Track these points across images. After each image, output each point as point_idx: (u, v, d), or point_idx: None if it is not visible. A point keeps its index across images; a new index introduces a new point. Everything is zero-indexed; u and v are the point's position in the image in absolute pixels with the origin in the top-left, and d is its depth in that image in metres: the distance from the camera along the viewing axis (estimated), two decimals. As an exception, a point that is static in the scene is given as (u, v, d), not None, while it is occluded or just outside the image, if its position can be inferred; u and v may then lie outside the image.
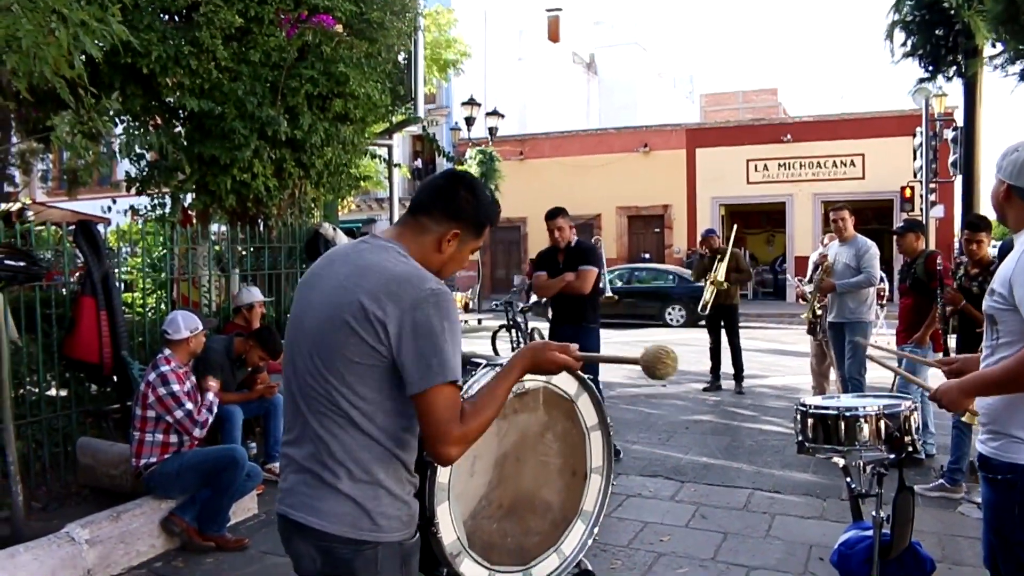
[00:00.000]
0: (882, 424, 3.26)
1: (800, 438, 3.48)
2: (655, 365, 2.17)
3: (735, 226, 10.70)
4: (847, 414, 3.28)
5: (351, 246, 2.15)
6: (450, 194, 2.14)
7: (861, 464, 3.43)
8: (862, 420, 3.26)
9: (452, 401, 1.94)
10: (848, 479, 3.53)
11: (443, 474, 2.41)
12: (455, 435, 1.92)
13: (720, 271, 9.91)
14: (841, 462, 3.50)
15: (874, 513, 3.38)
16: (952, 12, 6.00)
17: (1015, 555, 2.67)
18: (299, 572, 2.13)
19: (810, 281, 9.73)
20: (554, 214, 6.94)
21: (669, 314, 20.45)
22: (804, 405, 3.48)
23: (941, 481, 5.95)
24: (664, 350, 2.17)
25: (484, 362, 2.68)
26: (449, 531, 2.45)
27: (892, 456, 3.26)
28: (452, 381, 1.94)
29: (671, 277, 21.77)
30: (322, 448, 2.02)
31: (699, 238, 10.72)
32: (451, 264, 2.18)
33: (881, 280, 8.04)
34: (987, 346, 2.78)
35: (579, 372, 2.96)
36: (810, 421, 3.42)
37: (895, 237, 7.17)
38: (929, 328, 6.52)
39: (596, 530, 2.99)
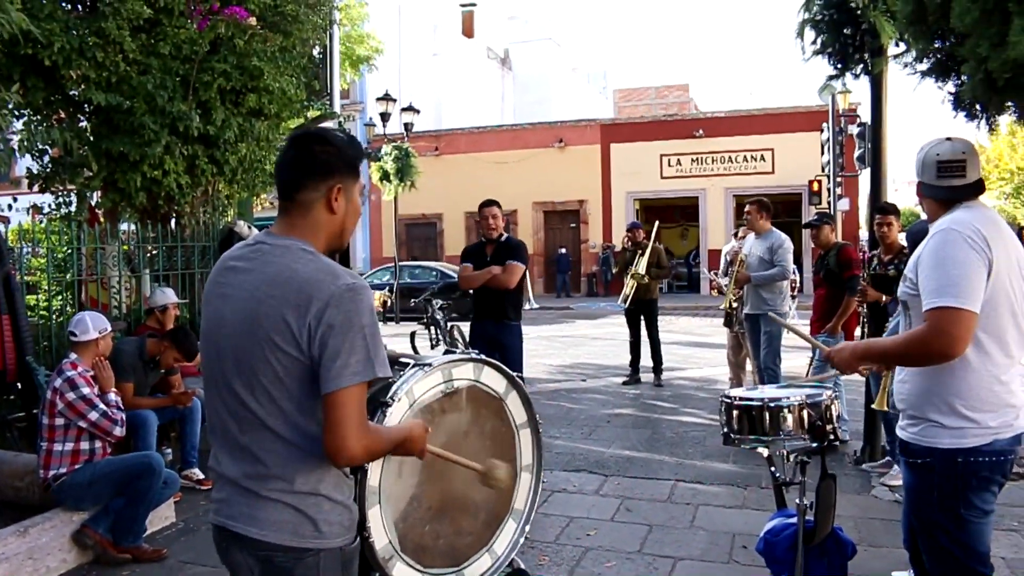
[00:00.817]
0: (805, 413, 3.31)
1: (725, 430, 3.52)
2: (492, 477, 2.24)
3: (656, 222, 10.81)
4: (771, 405, 3.33)
5: (250, 250, 2.06)
6: (308, 157, 2.05)
7: (784, 453, 3.48)
8: (786, 410, 3.31)
9: (362, 398, 1.91)
10: (772, 468, 3.58)
11: (374, 476, 2.36)
12: (362, 439, 1.89)
13: (641, 265, 10.00)
14: (765, 452, 3.55)
15: (798, 501, 3.44)
16: (859, 12, 6.16)
17: (934, 537, 2.77)
18: None
19: (725, 274, 9.91)
20: (489, 203, 6.90)
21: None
22: (729, 397, 3.53)
23: (888, 459, 6.15)
24: (498, 464, 2.29)
25: (412, 362, 2.63)
26: (381, 535, 2.39)
27: (815, 444, 3.32)
28: (368, 380, 1.91)
29: (435, 274, 23.27)
30: (256, 463, 1.97)
31: (625, 231, 10.79)
32: (349, 217, 2.11)
33: (793, 272, 8.23)
34: (902, 328, 2.92)
35: (507, 369, 2.95)
36: (735, 413, 3.46)
37: (811, 230, 7.34)
38: (841, 317, 6.71)
39: (527, 528, 2.97)
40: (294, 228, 2.05)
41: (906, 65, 5.10)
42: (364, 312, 1.91)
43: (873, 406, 5.41)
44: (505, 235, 6.95)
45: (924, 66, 4.76)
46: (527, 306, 10.53)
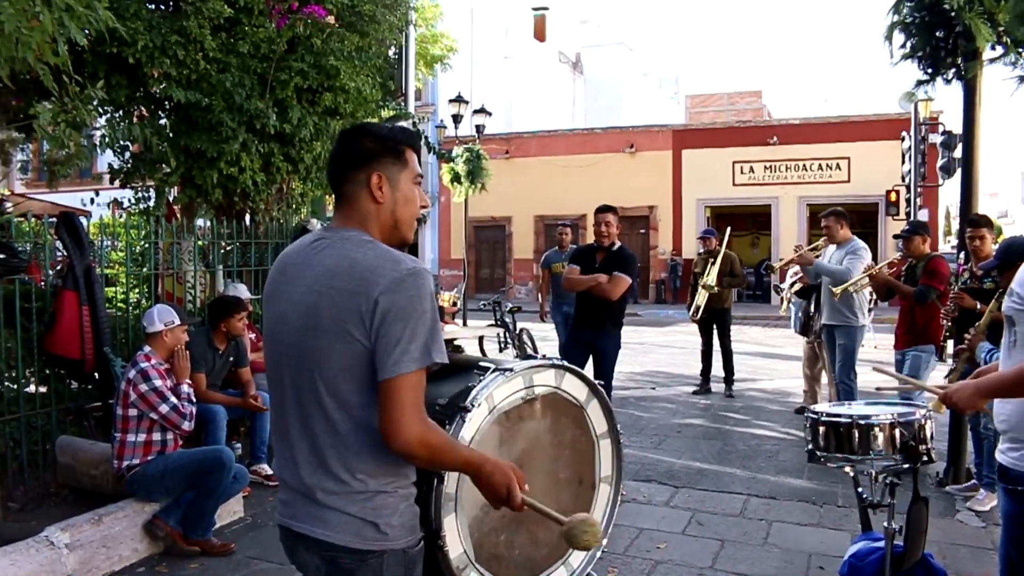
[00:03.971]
0: (897, 432, 3.16)
1: (811, 446, 3.37)
2: (578, 536, 2.06)
3: (728, 228, 10.57)
4: (861, 422, 3.18)
5: (307, 246, 2.05)
6: (348, 151, 2.06)
7: (872, 473, 3.33)
8: (876, 428, 3.16)
9: (421, 385, 1.88)
10: (859, 488, 3.42)
11: (450, 483, 2.28)
12: (418, 425, 1.85)
13: (712, 275, 9.79)
14: (851, 471, 3.40)
15: (886, 524, 3.28)
16: (953, 14, 5.92)
17: None
18: None
19: (791, 287, 9.69)
20: (604, 208, 6.87)
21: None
22: (815, 413, 3.38)
23: (974, 482, 5.95)
24: (589, 523, 2.08)
25: (492, 367, 2.55)
26: (456, 544, 2.32)
27: (907, 465, 3.16)
28: (427, 367, 1.87)
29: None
30: (319, 463, 1.95)
31: (697, 238, 10.60)
32: (402, 206, 2.07)
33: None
34: (1005, 346, 2.76)
35: (588, 376, 2.85)
36: (822, 429, 3.31)
37: (901, 239, 7.06)
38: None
39: (605, 542, 2.87)
40: (348, 220, 2.05)
41: (1014, 64, 4.87)
42: (425, 297, 1.88)
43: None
44: (618, 244, 6.86)
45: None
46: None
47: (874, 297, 9.60)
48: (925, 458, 3.20)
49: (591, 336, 6.67)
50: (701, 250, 10.47)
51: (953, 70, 6.30)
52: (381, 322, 1.84)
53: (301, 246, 2.08)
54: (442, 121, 26.30)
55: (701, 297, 9.88)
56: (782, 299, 11.42)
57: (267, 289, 2.13)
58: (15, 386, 5.76)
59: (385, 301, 1.84)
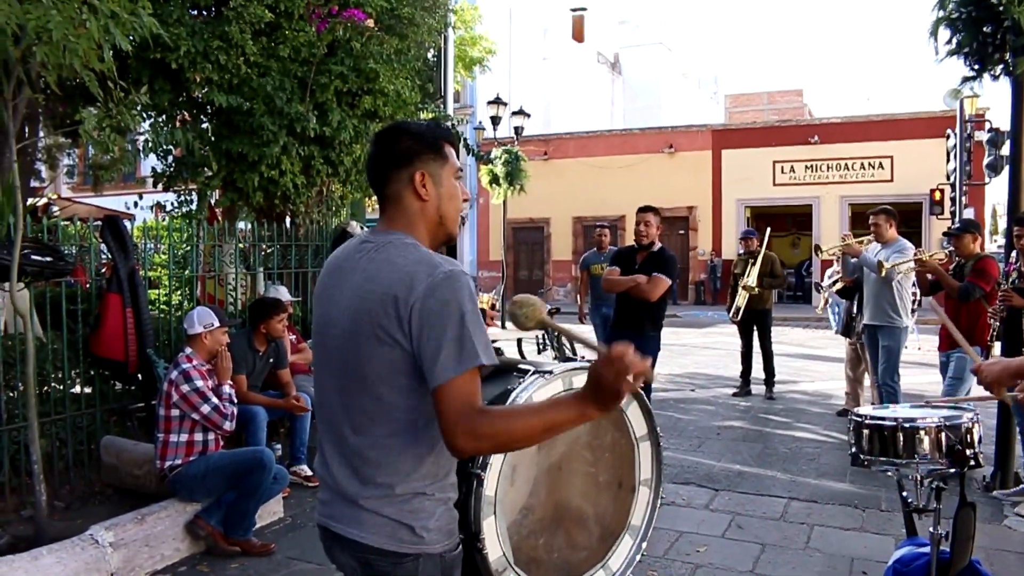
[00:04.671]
0: (943, 436, 3.09)
1: (854, 449, 3.31)
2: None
3: (768, 228, 10.46)
4: (906, 425, 3.12)
5: (354, 249, 2.06)
6: (387, 152, 2.05)
7: (918, 478, 3.26)
8: (922, 432, 3.10)
9: (471, 387, 1.82)
10: (904, 493, 3.36)
11: (489, 486, 2.28)
12: (466, 426, 1.79)
13: (752, 276, 9.69)
14: (896, 475, 3.33)
15: (932, 529, 3.21)
16: (1000, 8, 5.77)
17: None
18: None
19: (832, 285, 9.57)
20: (646, 209, 6.87)
21: None
22: (859, 415, 3.32)
23: (1022, 486, 5.83)
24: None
25: (532, 369, 2.53)
26: (495, 547, 2.31)
27: (953, 470, 3.09)
28: (475, 368, 1.82)
29: None
30: (359, 465, 1.96)
31: (738, 238, 10.51)
32: (446, 202, 2.07)
33: (913, 285, 7.81)
34: None
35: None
36: (865, 432, 3.25)
37: (951, 237, 6.94)
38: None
39: (644, 545, 2.85)
40: (393, 223, 2.05)
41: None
42: (464, 299, 1.85)
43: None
44: (659, 245, 6.83)
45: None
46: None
47: (918, 297, 9.46)
48: (972, 462, 3.13)
49: (630, 337, 6.55)
50: (741, 251, 10.37)
51: (1001, 66, 6.16)
52: (420, 328, 1.83)
53: (349, 249, 2.09)
54: (480, 123, 26.33)
55: (741, 298, 9.78)
56: (823, 299, 11.29)
57: (316, 290, 2.16)
58: (61, 387, 5.86)
59: (424, 305, 1.83)
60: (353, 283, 1.98)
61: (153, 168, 7.61)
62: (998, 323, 5.68)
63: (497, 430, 1.81)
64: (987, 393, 3.04)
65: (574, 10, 40.47)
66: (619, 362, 1.73)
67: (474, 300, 1.88)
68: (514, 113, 22.30)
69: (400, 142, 2.05)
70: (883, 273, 6.99)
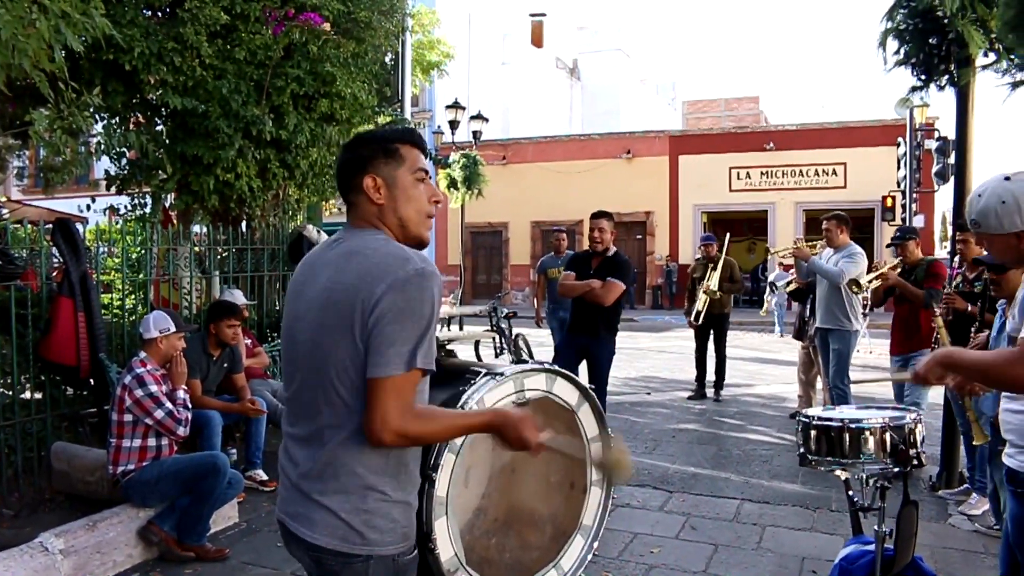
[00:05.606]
0: (887, 436, 3.18)
1: (802, 450, 3.39)
2: (612, 468, 2.13)
3: (727, 234, 10.61)
4: (852, 426, 3.20)
5: (326, 247, 2.09)
6: (348, 160, 2.10)
7: (863, 477, 3.34)
8: (867, 432, 3.18)
9: (412, 389, 1.88)
10: (850, 492, 3.44)
11: (441, 487, 2.30)
12: (397, 425, 1.85)
13: (713, 280, 9.82)
14: (843, 475, 3.41)
15: (876, 528, 3.30)
16: (946, 21, 5.93)
17: None
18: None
19: (786, 285, 9.74)
20: (599, 215, 6.83)
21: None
22: (807, 417, 3.40)
23: (967, 486, 5.95)
24: (620, 457, 2.17)
25: (484, 371, 2.56)
26: (447, 547, 2.33)
27: (897, 469, 3.18)
28: (420, 371, 1.88)
29: None
30: (319, 458, 1.97)
31: (699, 244, 10.61)
32: (403, 204, 2.08)
33: (865, 290, 7.95)
34: None
35: (580, 381, 2.87)
36: (813, 433, 3.33)
37: (895, 246, 7.07)
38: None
39: (595, 545, 2.89)
40: (359, 221, 2.09)
41: (1004, 72, 4.89)
42: (427, 301, 1.89)
43: (974, 443, 5.19)
44: (614, 250, 6.87)
45: (1023, 75, 4.56)
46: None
47: (869, 302, 9.63)
48: (915, 462, 3.22)
49: (585, 341, 6.68)
50: (700, 256, 10.49)
51: (946, 76, 6.31)
52: (378, 320, 1.85)
53: (321, 247, 2.12)
54: (439, 127, 26.34)
55: (702, 302, 9.90)
56: (767, 301, 11.45)
57: (288, 289, 2.18)
58: (10, 392, 5.77)
59: (387, 300, 1.85)
60: (323, 278, 1.99)
61: (107, 171, 7.51)
62: (942, 326, 5.81)
63: (423, 432, 1.93)
64: (905, 374, 3.17)
65: (533, 16, 40.63)
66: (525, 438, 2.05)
67: (436, 305, 1.91)
68: (472, 117, 22.36)
69: (355, 149, 2.09)
70: (861, 291, 7.12)
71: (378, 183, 2.04)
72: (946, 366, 2.69)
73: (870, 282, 7.07)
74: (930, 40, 6.16)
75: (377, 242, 1.98)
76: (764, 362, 14.38)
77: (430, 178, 2.16)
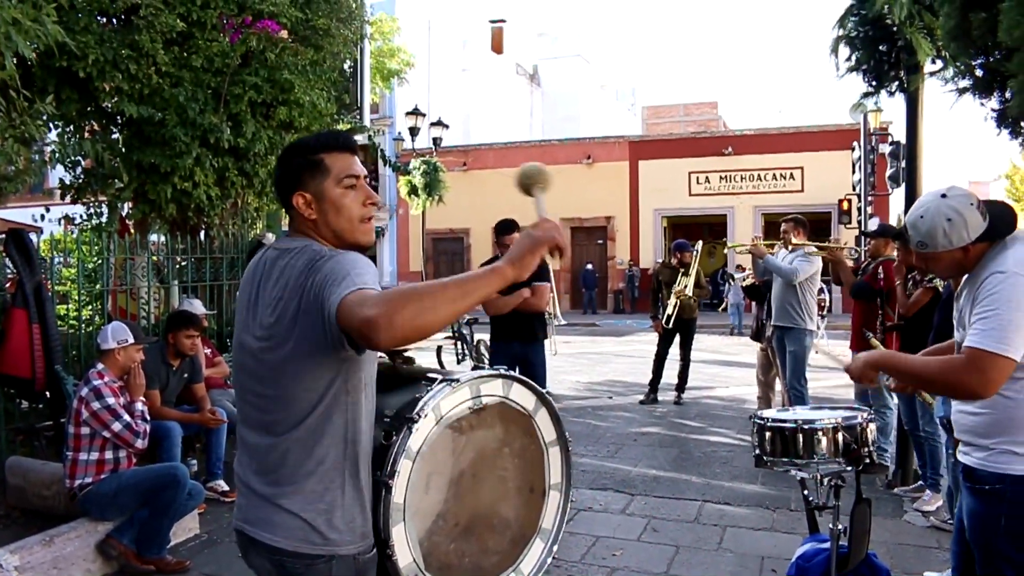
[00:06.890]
0: (840, 436, 3.23)
1: (758, 451, 3.44)
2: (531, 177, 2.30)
3: (699, 241, 10.72)
4: (805, 427, 3.25)
5: (271, 257, 2.10)
6: (280, 175, 2.12)
7: (818, 476, 3.40)
8: (820, 433, 3.23)
9: (365, 292, 1.77)
10: (805, 491, 3.50)
11: (398, 493, 2.31)
12: (376, 313, 1.67)
13: (689, 285, 9.93)
14: (799, 475, 3.47)
15: (831, 525, 3.35)
16: (895, 29, 6.09)
17: (996, 566, 2.65)
18: None
19: (744, 279, 9.86)
20: (508, 228, 6.42)
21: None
22: (761, 418, 3.44)
23: (921, 483, 6.04)
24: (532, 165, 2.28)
25: (440, 377, 2.58)
26: (405, 553, 2.34)
27: (850, 468, 3.24)
28: (367, 288, 1.79)
29: None
30: (273, 460, 2.00)
31: (673, 251, 10.68)
32: (334, 216, 2.05)
33: (821, 291, 8.09)
34: None
35: (537, 386, 2.89)
36: (767, 434, 3.38)
37: (867, 239, 7.19)
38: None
39: (555, 548, 2.91)
40: (295, 232, 2.11)
41: (947, 81, 5.02)
42: (359, 260, 1.91)
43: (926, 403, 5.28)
44: None
45: (966, 83, 4.68)
46: (556, 322, 10.45)
47: (827, 303, 9.77)
48: (867, 461, 3.28)
49: (520, 348, 6.56)
50: (668, 260, 10.58)
51: (896, 83, 6.46)
52: (322, 281, 1.84)
53: (265, 257, 2.13)
54: (399, 134, 26.31)
55: (672, 306, 9.99)
56: (725, 300, 11.56)
57: (238, 299, 2.20)
58: (-36, 406, 5.68)
59: (322, 271, 1.86)
60: (271, 283, 2.02)
61: (61, 179, 7.42)
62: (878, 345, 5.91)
63: (407, 300, 1.70)
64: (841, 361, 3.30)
65: (493, 22, 40.77)
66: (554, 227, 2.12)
67: (371, 268, 1.90)
68: (433, 124, 22.36)
69: (284, 166, 2.11)
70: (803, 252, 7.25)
71: (308, 199, 2.05)
72: (882, 369, 2.79)
73: (819, 249, 7.22)
74: (880, 47, 6.30)
75: (303, 243, 2.03)
76: (725, 364, 14.53)
77: (365, 178, 2.12)
